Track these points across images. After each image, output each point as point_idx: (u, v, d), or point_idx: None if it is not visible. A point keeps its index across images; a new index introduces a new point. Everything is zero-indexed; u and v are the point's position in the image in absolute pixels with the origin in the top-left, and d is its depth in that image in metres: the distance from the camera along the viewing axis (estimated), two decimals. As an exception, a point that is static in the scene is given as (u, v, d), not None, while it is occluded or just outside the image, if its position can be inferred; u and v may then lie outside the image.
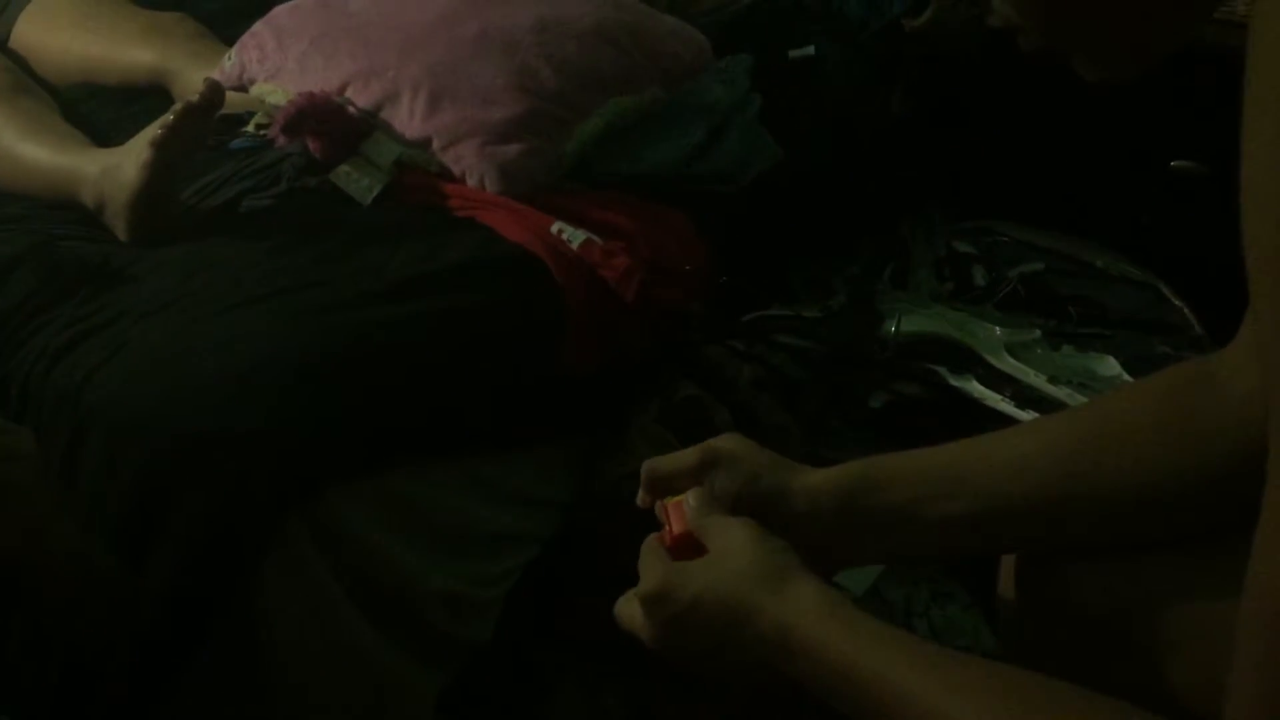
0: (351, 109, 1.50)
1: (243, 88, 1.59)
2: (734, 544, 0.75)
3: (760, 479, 0.81)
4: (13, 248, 1.27)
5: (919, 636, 0.71)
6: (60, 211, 1.38)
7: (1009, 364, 1.45)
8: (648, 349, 1.48)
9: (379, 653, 1.22)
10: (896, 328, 1.49)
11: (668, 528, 0.80)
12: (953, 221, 1.69)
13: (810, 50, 1.72)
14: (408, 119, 1.49)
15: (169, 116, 1.33)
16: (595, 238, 1.42)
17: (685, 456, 0.82)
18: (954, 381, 1.46)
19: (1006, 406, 1.40)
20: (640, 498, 0.84)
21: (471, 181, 1.48)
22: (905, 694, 0.65)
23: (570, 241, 1.42)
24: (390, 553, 1.23)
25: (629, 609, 0.77)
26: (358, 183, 1.46)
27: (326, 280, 1.29)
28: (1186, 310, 1.53)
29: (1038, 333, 1.51)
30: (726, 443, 0.83)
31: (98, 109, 1.67)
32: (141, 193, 1.32)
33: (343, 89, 1.51)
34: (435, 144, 1.48)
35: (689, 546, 0.78)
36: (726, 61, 1.68)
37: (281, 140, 1.48)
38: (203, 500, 1.04)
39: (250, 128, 1.56)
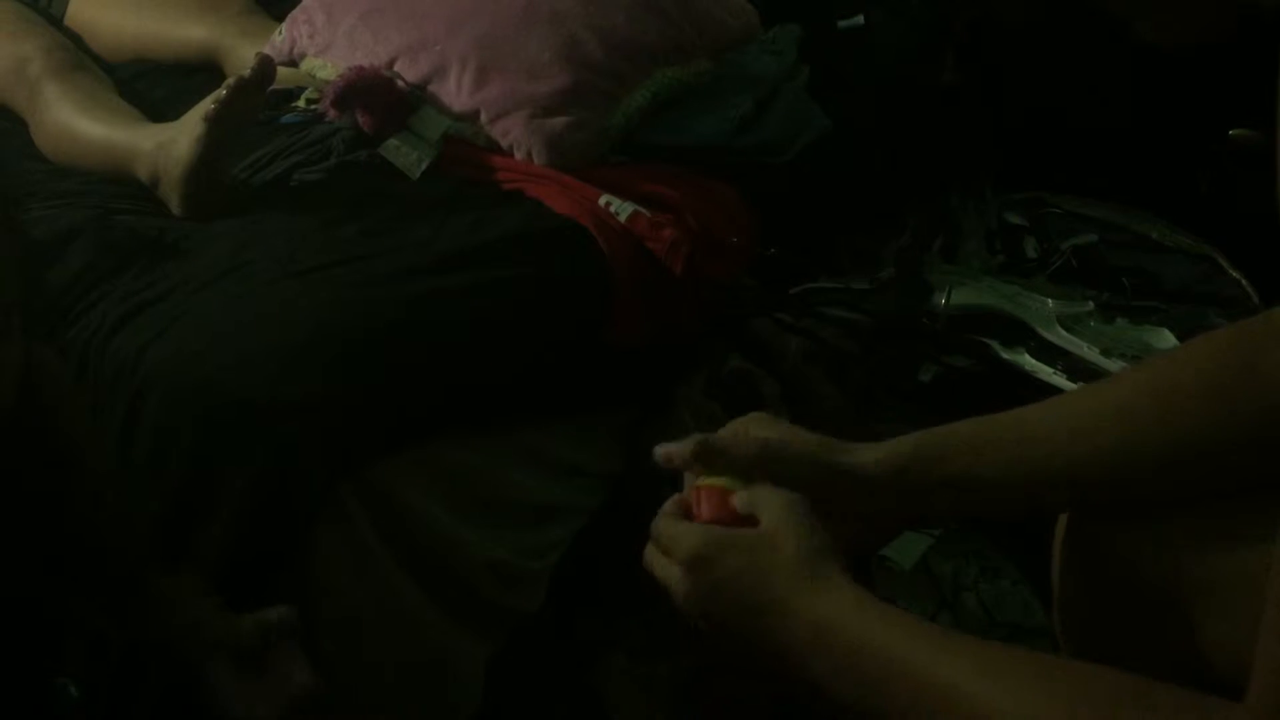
0: (400, 83, 1.50)
1: (293, 63, 1.60)
2: (784, 526, 0.75)
3: (820, 468, 0.80)
4: (71, 221, 1.29)
5: (949, 626, 0.71)
6: (116, 186, 1.41)
7: (1061, 337, 1.43)
8: (695, 321, 1.48)
9: (429, 620, 1.23)
10: (946, 300, 1.47)
11: (697, 509, 0.80)
12: (1004, 193, 1.67)
13: (859, 20, 1.70)
14: (455, 92, 1.49)
15: (222, 92, 1.34)
16: (643, 210, 1.42)
17: (743, 446, 0.81)
18: (1005, 355, 1.44)
19: (1059, 379, 1.39)
20: (666, 452, 0.82)
21: (519, 154, 1.48)
22: (947, 686, 0.65)
23: (617, 214, 1.42)
24: (439, 522, 1.24)
25: (663, 562, 0.78)
26: (406, 156, 1.47)
27: (376, 253, 1.30)
28: (1244, 281, 1.50)
29: (1091, 305, 1.49)
30: (773, 431, 0.83)
31: (151, 85, 1.69)
32: (195, 167, 1.34)
33: (391, 63, 1.52)
34: (483, 117, 1.49)
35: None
36: (774, 32, 1.67)
37: (331, 114, 1.49)
38: (256, 468, 1.06)
39: (300, 102, 1.57)
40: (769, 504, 0.77)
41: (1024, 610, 1.33)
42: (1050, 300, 1.48)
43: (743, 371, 1.47)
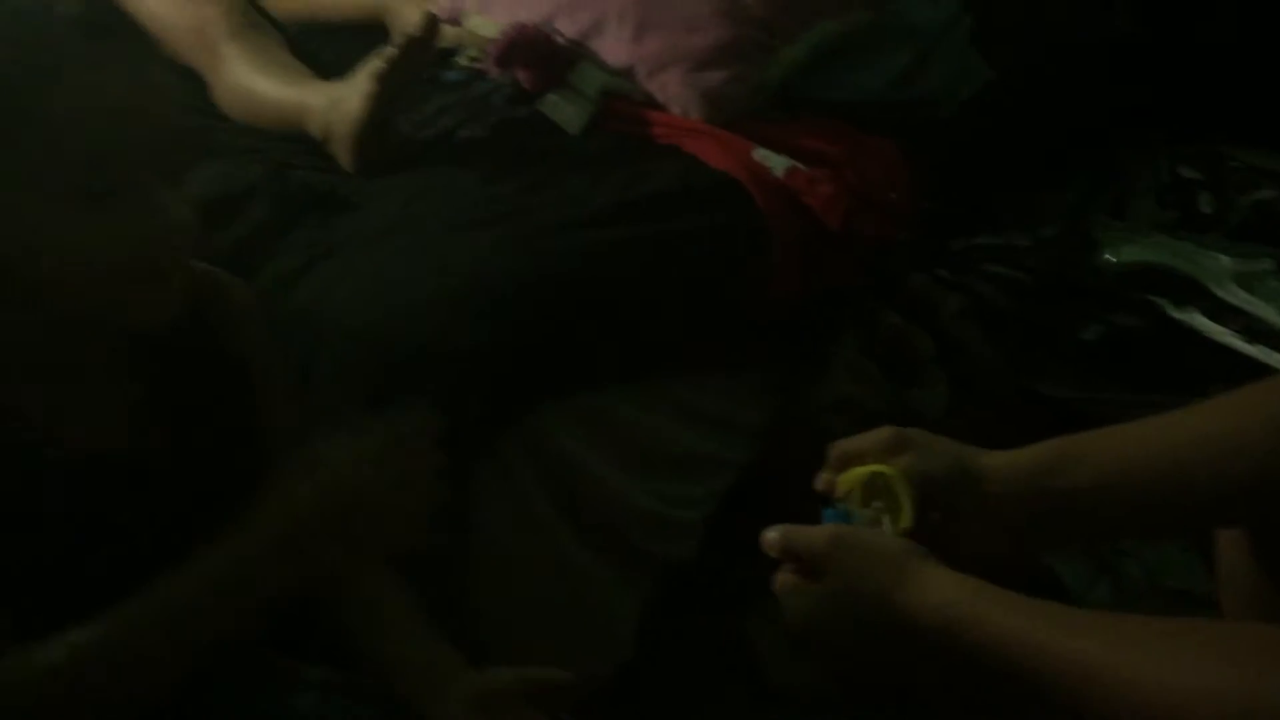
0: (559, 38, 1.52)
1: (455, 21, 1.63)
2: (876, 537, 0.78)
3: (951, 461, 0.81)
4: (249, 177, 1.35)
5: (1109, 592, 0.71)
6: (290, 142, 1.46)
7: (1238, 296, 1.37)
8: (851, 277, 1.46)
9: (584, 566, 1.26)
10: (1115, 257, 1.43)
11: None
12: (1177, 145, 1.60)
13: (1027, -34, 1.65)
14: (613, 47, 1.50)
15: (390, 50, 1.38)
16: (799, 165, 1.41)
17: (875, 435, 0.83)
18: (1175, 314, 1.39)
19: (1235, 340, 1.33)
20: (823, 479, 0.86)
21: (675, 109, 1.49)
22: (1082, 660, 0.65)
23: (774, 169, 1.41)
24: (595, 470, 1.27)
25: (794, 593, 0.79)
26: (565, 112, 1.49)
27: (536, 207, 1.32)
28: None
29: (1269, 263, 1.42)
30: (911, 430, 0.84)
31: (320, 45, 1.74)
32: (365, 123, 1.38)
33: (551, 19, 1.54)
34: (640, 72, 1.50)
35: None
36: (937, -20, 1.62)
37: (493, 71, 1.52)
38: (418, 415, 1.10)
39: (462, 60, 1.61)
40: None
41: (1189, 576, 1.30)
42: (1226, 258, 1.42)
43: (898, 328, 1.46)
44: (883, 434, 0.83)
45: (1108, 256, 1.42)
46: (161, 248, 0.80)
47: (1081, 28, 1.66)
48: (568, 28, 1.53)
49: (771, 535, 0.82)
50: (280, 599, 0.81)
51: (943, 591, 0.72)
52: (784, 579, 0.80)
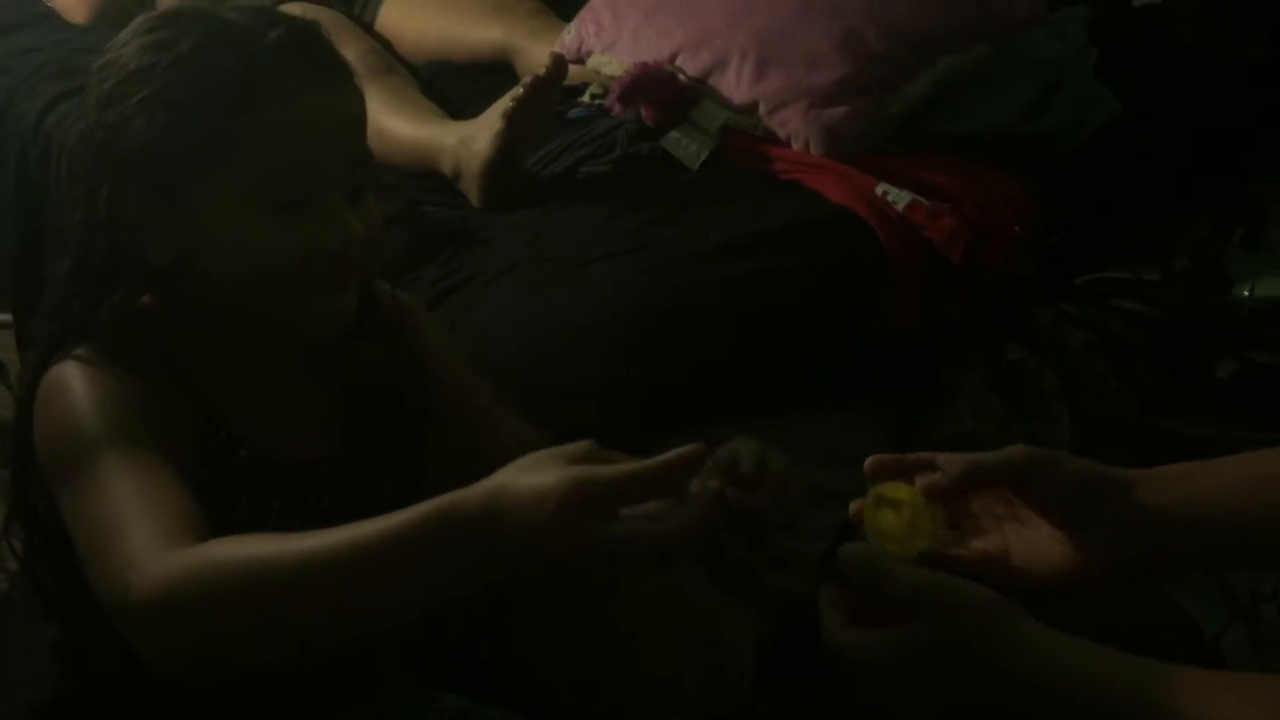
0: (682, 77, 1.55)
1: (580, 60, 1.67)
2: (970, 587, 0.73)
3: (1093, 475, 0.78)
4: (386, 212, 1.40)
5: (1244, 639, 0.68)
6: (423, 179, 1.52)
7: (1380, 332, 1.33)
8: (973, 311, 1.45)
9: (705, 599, 1.27)
10: (1250, 292, 1.39)
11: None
12: (1316, 177, 1.56)
13: (1156, -3, 1.62)
14: (735, 85, 1.53)
15: (519, 90, 1.43)
16: (921, 199, 1.41)
17: (1011, 452, 0.79)
18: (1314, 350, 1.35)
19: (1376, 378, 1.29)
20: (946, 482, 0.79)
21: (796, 145, 1.50)
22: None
23: (895, 203, 1.42)
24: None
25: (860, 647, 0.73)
26: (686, 148, 1.52)
27: (659, 242, 1.35)
28: None
29: None
30: (1048, 450, 0.80)
31: (449, 84, 1.81)
32: (494, 161, 1.43)
33: (673, 57, 1.57)
34: (761, 109, 1.52)
35: None
36: (1062, 13, 1.61)
37: (617, 109, 1.55)
38: (556, 435, 1.13)
39: (586, 97, 1.65)
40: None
41: (1332, 623, 1.25)
42: (1370, 294, 1.38)
43: (1022, 363, 1.44)
44: (1016, 451, 0.78)
45: (1243, 291, 1.39)
46: (340, 258, 0.84)
47: (1212, 57, 1.63)
48: (690, 66, 1.56)
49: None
50: (434, 595, 0.71)
51: (1046, 650, 0.69)
52: (844, 636, 0.74)
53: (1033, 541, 0.80)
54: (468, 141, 1.47)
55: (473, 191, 1.47)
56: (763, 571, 1.29)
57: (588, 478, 0.67)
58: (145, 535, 0.72)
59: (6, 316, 1.90)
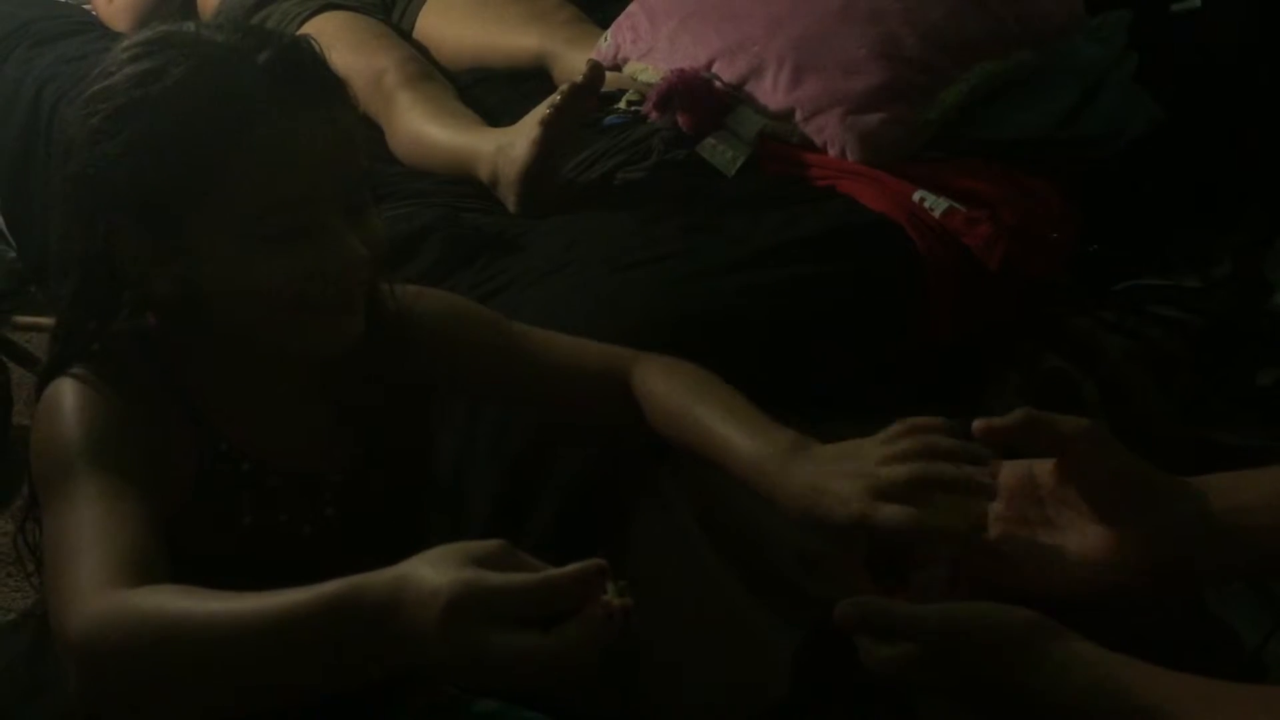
0: (718, 83, 1.55)
1: (616, 67, 1.68)
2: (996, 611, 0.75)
3: (1139, 472, 0.78)
4: (423, 219, 1.42)
5: None
6: (460, 186, 1.53)
7: None
8: (1011, 319, 1.45)
9: (741, 605, 1.27)
10: (1293, 300, 1.38)
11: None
12: (1360, 184, 1.54)
13: (1196, 2, 1.61)
14: (771, 91, 1.53)
15: (556, 97, 1.43)
16: (958, 205, 1.41)
17: (1074, 419, 0.79)
18: (1358, 359, 1.33)
19: None
20: (1003, 429, 0.79)
21: (833, 151, 1.50)
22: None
23: (932, 210, 1.41)
24: (749, 505, 1.28)
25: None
26: (723, 155, 1.52)
27: (695, 248, 1.35)
28: None
29: None
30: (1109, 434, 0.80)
31: (487, 91, 1.82)
32: (531, 168, 1.44)
33: (710, 64, 1.57)
34: (798, 115, 1.51)
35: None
36: (1101, 18, 1.60)
37: (653, 116, 1.56)
38: (590, 449, 1.13)
39: (622, 104, 1.65)
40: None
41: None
42: None
43: (1060, 372, 1.43)
44: (1079, 420, 0.78)
45: (1285, 299, 1.37)
46: (342, 282, 0.83)
47: (1253, 62, 1.61)
48: (726, 73, 1.56)
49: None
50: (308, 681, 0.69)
51: (1090, 668, 0.69)
52: (882, 657, 0.77)
53: (1070, 544, 0.80)
54: (505, 148, 1.48)
55: (509, 198, 1.48)
56: (801, 578, 1.29)
57: (476, 583, 0.63)
58: (91, 569, 0.72)
59: (45, 320, 1.93)
